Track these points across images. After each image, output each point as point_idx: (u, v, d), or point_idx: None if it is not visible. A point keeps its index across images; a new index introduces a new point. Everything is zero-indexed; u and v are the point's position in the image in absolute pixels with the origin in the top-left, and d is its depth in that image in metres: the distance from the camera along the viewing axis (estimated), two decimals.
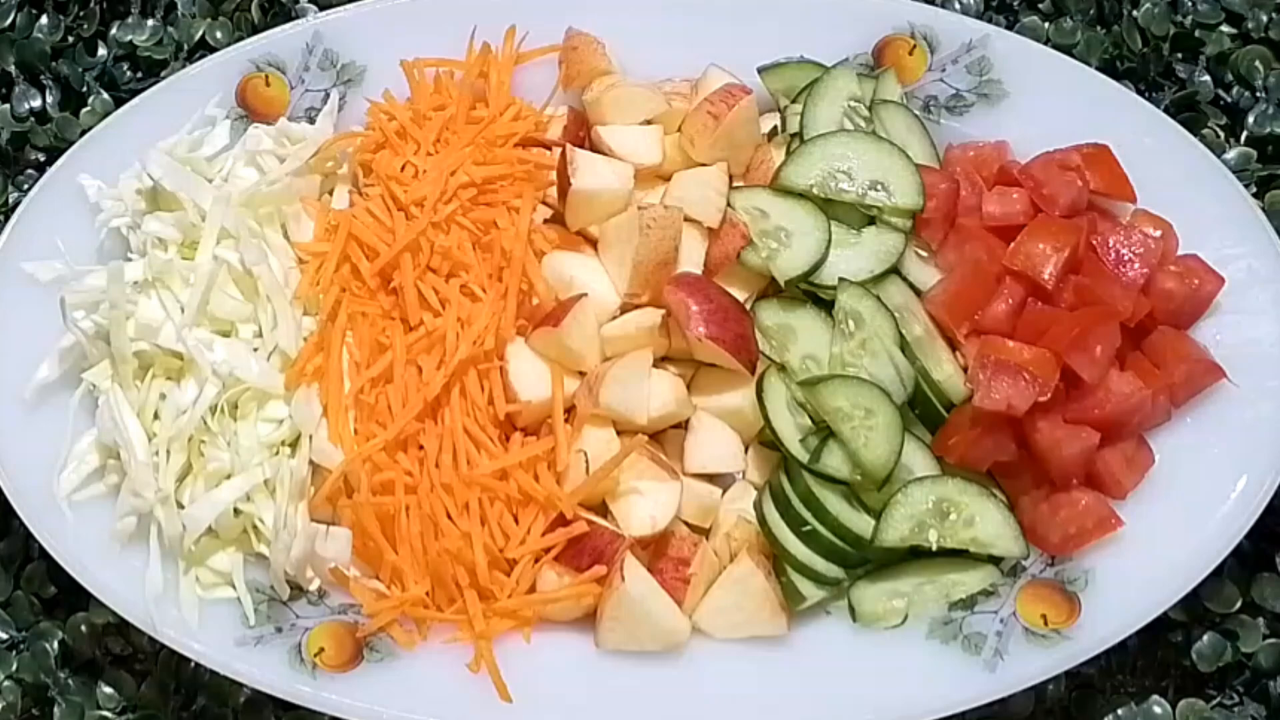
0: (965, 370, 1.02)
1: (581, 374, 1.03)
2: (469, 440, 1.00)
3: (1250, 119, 1.20)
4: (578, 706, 0.97)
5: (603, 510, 1.00)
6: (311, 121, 1.11)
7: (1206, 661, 1.03)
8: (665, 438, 1.03)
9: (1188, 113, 1.19)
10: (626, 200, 1.06)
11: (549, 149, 1.10)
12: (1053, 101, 1.11)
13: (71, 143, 1.12)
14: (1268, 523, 1.01)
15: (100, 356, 1.02)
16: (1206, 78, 1.22)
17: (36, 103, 1.22)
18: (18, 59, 1.23)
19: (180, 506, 0.98)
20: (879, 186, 1.05)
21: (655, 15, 1.14)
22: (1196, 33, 1.23)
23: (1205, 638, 1.04)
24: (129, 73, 1.25)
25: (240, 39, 1.18)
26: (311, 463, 1.01)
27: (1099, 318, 1.01)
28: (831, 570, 0.99)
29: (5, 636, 1.06)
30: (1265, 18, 1.23)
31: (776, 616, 0.98)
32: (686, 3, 1.14)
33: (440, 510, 0.98)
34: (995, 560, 1.00)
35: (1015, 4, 1.26)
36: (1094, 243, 1.05)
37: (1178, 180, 1.09)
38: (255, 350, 1.03)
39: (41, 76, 1.23)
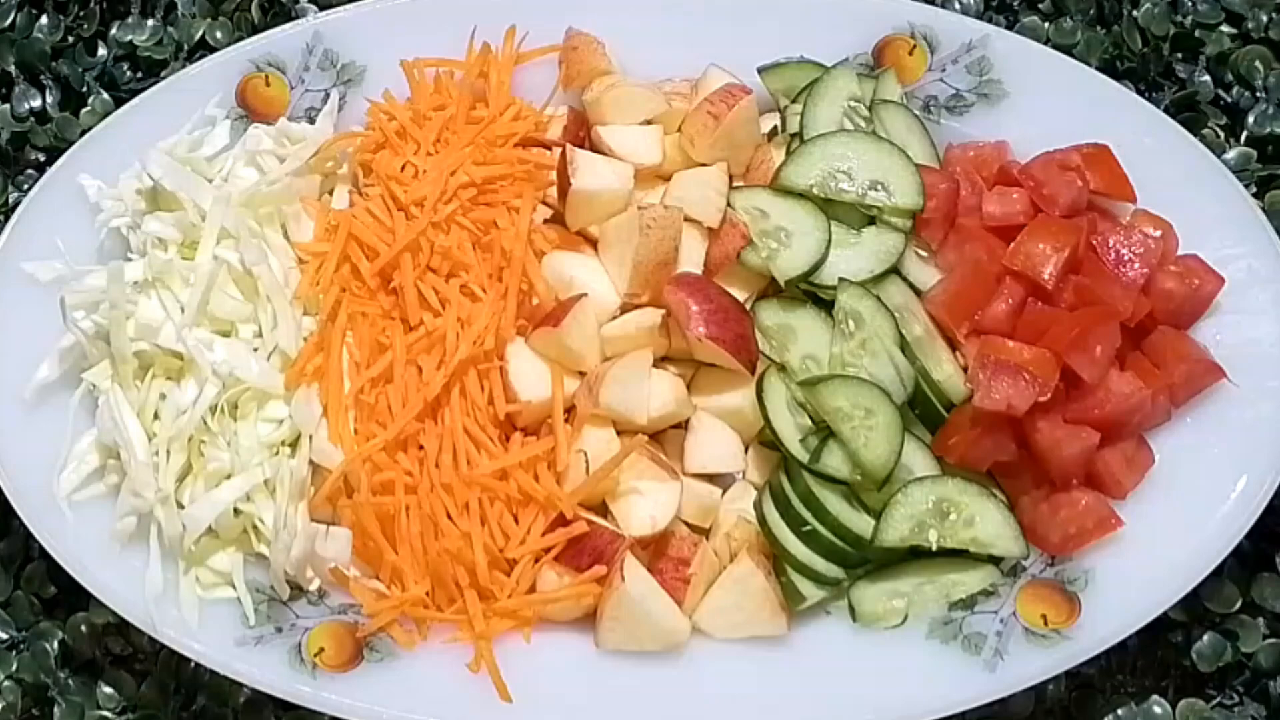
0: (965, 370, 1.02)
1: (581, 374, 1.03)
2: (469, 440, 1.00)
3: (1250, 119, 1.20)
4: (578, 706, 0.97)
5: (603, 510, 1.00)
6: (311, 121, 1.11)
7: (1206, 661, 1.03)
8: (665, 438, 1.03)
9: (1188, 113, 1.19)
10: (626, 200, 1.06)
11: (549, 149, 1.10)
12: (1053, 101, 1.11)
13: (71, 143, 1.12)
14: (1268, 523, 1.01)
15: (100, 356, 1.02)
16: (1206, 78, 1.22)
17: (36, 103, 1.22)
18: (18, 59, 1.23)
19: (180, 506, 0.98)
20: (879, 186, 1.05)
21: (655, 15, 1.14)
22: (1196, 33, 1.23)
23: (1205, 638, 1.04)
24: (129, 73, 1.25)
25: (240, 39, 1.18)
26: (311, 463, 1.01)
27: (1099, 318, 1.01)
28: (831, 570, 0.99)
29: (5, 636, 1.06)
30: (1265, 18, 1.23)
31: (776, 616, 0.98)
32: (686, 3, 1.14)
33: (440, 510, 0.98)
34: (995, 560, 1.00)
35: (1015, 4, 1.26)
36: (1094, 243, 1.05)
37: (1178, 180, 1.09)
38: (255, 350, 1.03)
39: (41, 76, 1.23)
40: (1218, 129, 1.20)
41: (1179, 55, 1.23)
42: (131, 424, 0.99)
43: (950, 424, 1.01)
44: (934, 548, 0.99)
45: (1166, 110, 1.17)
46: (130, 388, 1.01)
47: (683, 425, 1.03)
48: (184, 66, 1.20)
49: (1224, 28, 1.24)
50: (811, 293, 1.05)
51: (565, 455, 0.99)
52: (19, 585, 1.07)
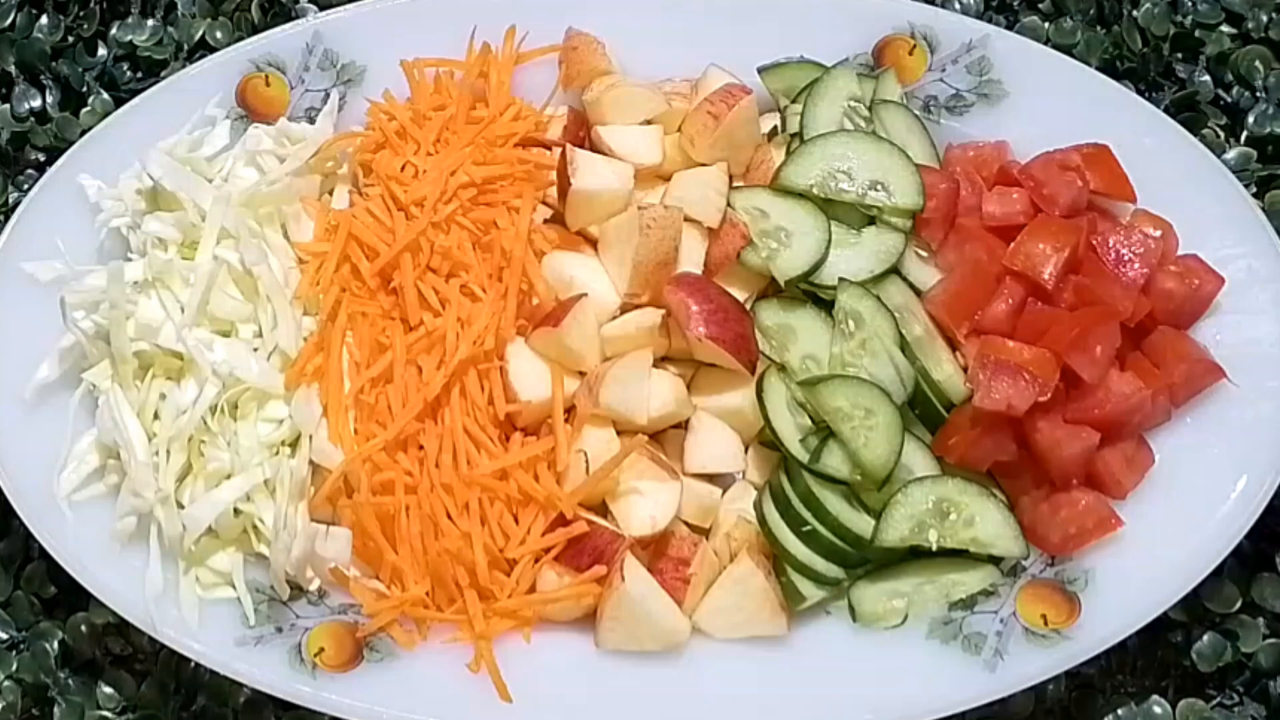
0: (965, 370, 1.02)
1: (581, 374, 1.03)
2: (469, 440, 1.00)
3: (1250, 119, 1.20)
4: (578, 706, 0.97)
5: (603, 510, 1.00)
6: (311, 121, 1.11)
7: (1206, 661, 1.03)
8: (665, 438, 1.03)
9: (1188, 113, 1.19)
10: (626, 200, 1.06)
11: (549, 149, 1.10)
12: (1053, 101, 1.11)
13: (71, 143, 1.12)
14: (1268, 523, 1.01)
15: (100, 356, 1.02)
16: (1206, 78, 1.22)
17: (36, 103, 1.22)
18: (18, 59, 1.23)
19: (180, 506, 0.98)
20: (879, 186, 1.05)
21: (655, 15, 1.14)
22: (1196, 33, 1.23)
23: (1205, 638, 1.04)
24: (129, 73, 1.25)
25: (240, 39, 1.18)
26: (311, 463, 1.01)
27: (1099, 318, 1.01)
28: (831, 570, 0.99)
29: (5, 636, 1.06)
30: (1265, 18, 1.23)
31: (776, 616, 0.98)
32: (686, 3, 1.14)
33: (440, 510, 0.98)
34: (995, 560, 1.00)
35: (1015, 4, 1.26)
36: (1094, 243, 1.05)
37: (1178, 180, 1.09)
38: (255, 350, 1.03)
39: (41, 76, 1.23)
40: (1218, 129, 1.20)
41: (1179, 55, 1.23)
42: (131, 424, 0.99)
43: (950, 424, 1.01)
44: (934, 548, 0.99)
45: (1166, 110, 1.17)
46: (130, 388, 1.01)
47: (683, 425, 1.03)
48: (184, 66, 1.20)
49: (1224, 28, 1.24)
50: (811, 293, 1.05)
51: (565, 455, 0.99)
52: (19, 585, 1.07)
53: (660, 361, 1.03)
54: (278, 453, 1.01)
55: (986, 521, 0.99)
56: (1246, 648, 1.04)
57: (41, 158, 1.21)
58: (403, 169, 1.07)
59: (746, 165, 1.11)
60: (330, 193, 1.11)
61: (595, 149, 1.09)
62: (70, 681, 1.04)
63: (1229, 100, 1.22)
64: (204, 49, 1.24)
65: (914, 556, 1.00)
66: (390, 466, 0.99)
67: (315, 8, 1.23)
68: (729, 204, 1.06)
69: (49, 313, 1.03)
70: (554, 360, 1.02)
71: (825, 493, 0.99)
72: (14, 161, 1.21)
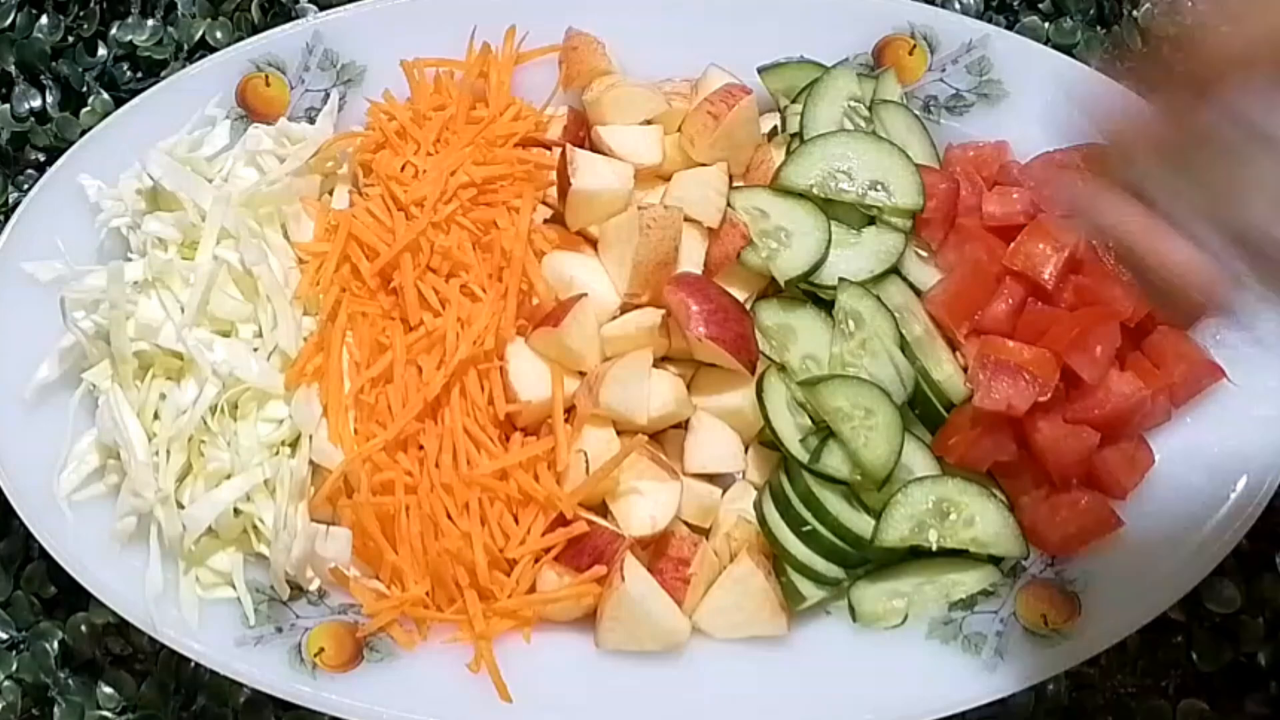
0: (965, 370, 1.02)
1: (581, 374, 1.03)
2: (469, 440, 1.00)
3: None
4: (578, 706, 0.97)
5: (603, 510, 1.00)
6: (311, 121, 1.11)
7: (1206, 661, 1.03)
8: (665, 438, 1.03)
9: None
10: (626, 200, 1.06)
11: (549, 149, 1.10)
12: (1053, 101, 1.11)
13: (71, 143, 1.11)
14: (1268, 523, 1.00)
15: (100, 356, 1.02)
16: None
17: (36, 103, 1.22)
18: (18, 59, 1.23)
19: (180, 506, 0.98)
20: (879, 186, 1.05)
21: (655, 15, 1.14)
22: None
23: (1205, 638, 1.04)
24: (129, 73, 1.25)
25: (240, 39, 1.18)
26: (311, 463, 1.01)
27: (1099, 318, 1.01)
28: (831, 570, 0.99)
29: (5, 636, 1.06)
30: None
31: (776, 616, 0.98)
32: (686, 3, 1.14)
33: (440, 510, 0.98)
34: (995, 560, 1.00)
35: (1015, 4, 1.26)
36: (1094, 243, 1.05)
37: None
38: (255, 350, 1.03)
39: (41, 76, 1.23)
40: None
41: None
42: (131, 424, 0.99)
43: (950, 424, 1.02)
44: (934, 548, 0.99)
45: None
46: (130, 388, 1.01)
47: (683, 425, 1.03)
48: (184, 66, 1.20)
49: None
50: (811, 293, 1.05)
51: (565, 455, 0.99)
52: (19, 585, 1.07)
53: (660, 361, 1.03)
54: (278, 453, 1.01)
55: (986, 521, 0.99)
56: (1246, 648, 1.04)
57: (41, 158, 1.21)
58: (403, 169, 1.07)
59: (746, 165, 1.11)
60: (330, 193, 1.11)
61: (595, 149, 1.09)
62: (70, 681, 1.04)
63: None
64: (204, 49, 1.23)
65: (914, 556, 1.00)
66: (390, 466, 0.99)
67: (315, 8, 1.23)
68: (729, 204, 1.06)
69: (49, 313, 1.03)
70: (554, 360, 1.02)
71: (825, 493, 0.99)
72: (14, 161, 1.21)
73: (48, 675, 1.04)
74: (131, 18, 1.26)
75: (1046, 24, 1.24)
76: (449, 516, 0.99)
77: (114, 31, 1.24)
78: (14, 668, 1.05)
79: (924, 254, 1.07)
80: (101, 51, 1.25)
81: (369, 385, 1.01)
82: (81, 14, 1.25)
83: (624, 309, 1.04)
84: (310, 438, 1.01)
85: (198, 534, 0.98)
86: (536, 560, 0.99)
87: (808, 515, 0.99)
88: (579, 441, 1.00)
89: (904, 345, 1.02)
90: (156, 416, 1.01)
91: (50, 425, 1.01)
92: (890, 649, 0.98)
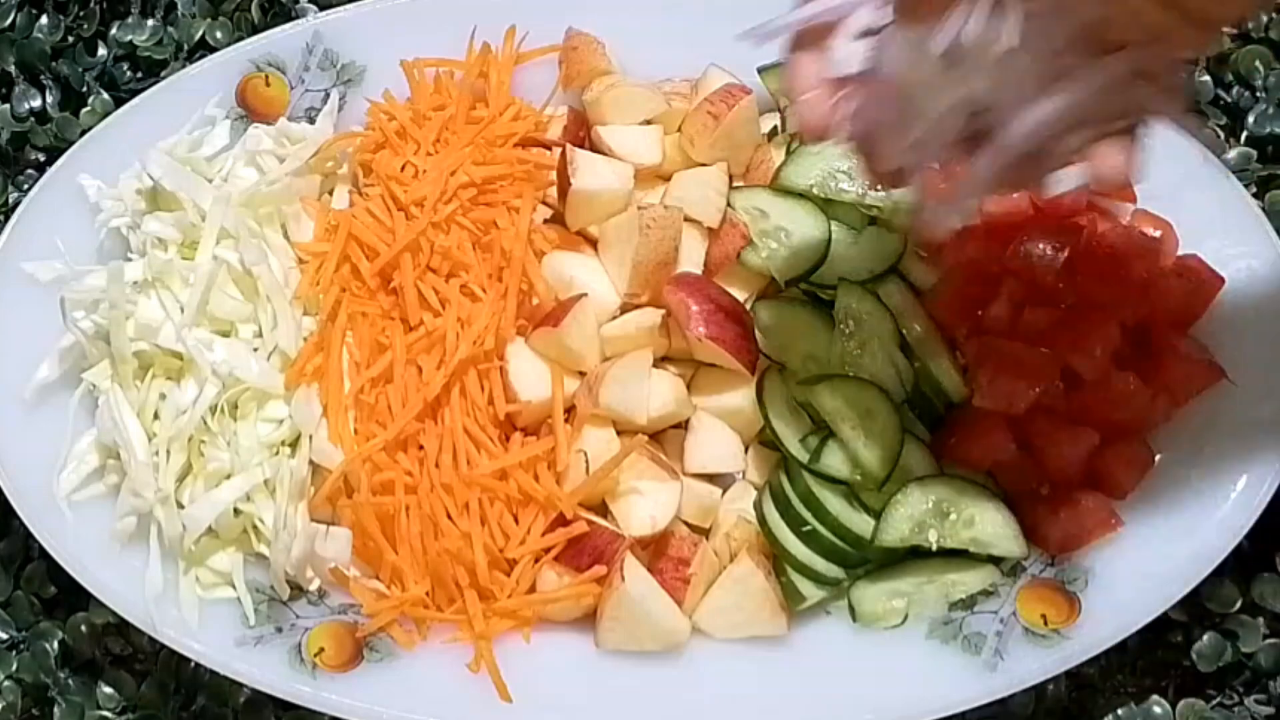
0: (965, 370, 1.02)
1: (581, 374, 1.03)
2: (469, 440, 1.00)
3: (1250, 119, 1.20)
4: (578, 706, 0.97)
5: (603, 510, 1.00)
6: (311, 121, 1.11)
7: (1206, 661, 1.03)
8: (665, 438, 1.03)
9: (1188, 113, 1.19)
10: (626, 200, 1.06)
11: (549, 149, 1.10)
12: None
13: (71, 143, 1.11)
14: (1268, 523, 1.00)
15: (100, 356, 1.02)
16: (1206, 78, 1.22)
17: (36, 103, 1.22)
18: (18, 59, 1.23)
19: (180, 506, 0.98)
20: (879, 186, 1.05)
21: (655, 15, 1.14)
22: None
23: (1205, 638, 1.04)
24: (129, 73, 1.25)
25: (240, 39, 1.18)
26: (311, 463, 1.01)
27: (1099, 318, 1.01)
28: (831, 570, 0.99)
29: (5, 636, 1.06)
30: (1265, 18, 1.23)
31: (776, 616, 0.98)
32: (686, 3, 1.14)
33: (440, 510, 0.98)
34: (995, 560, 1.00)
35: None
36: (1094, 243, 1.05)
37: (1178, 180, 1.09)
38: (255, 350, 1.03)
39: (41, 76, 1.23)
40: (1218, 129, 1.20)
41: None
42: (131, 424, 0.99)
43: (950, 424, 1.02)
44: (934, 548, 0.99)
45: None
46: (130, 388, 1.01)
47: (683, 425, 1.03)
48: (184, 66, 1.20)
49: (1224, 28, 1.24)
50: (811, 293, 1.05)
51: (565, 455, 0.99)
52: (19, 585, 1.07)
53: (660, 361, 1.03)
54: (278, 453, 1.01)
55: (986, 521, 0.99)
56: (1246, 648, 1.03)
57: (41, 158, 1.21)
58: (403, 169, 1.07)
59: (746, 165, 1.11)
60: (330, 193, 1.11)
61: (595, 149, 1.09)
62: (70, 681, 1.04)
63: (1229, 100, 1.22)
64: (204, 49, 1.23)
65: (914, 556, 1.00)
66: (390, 466, 0.99)
67: (315, 8, 1.23)
68: (729, 204, 1.06)
69: (49, 313, 1.03)
70: (554, 360, 1.02)
71: (825, 493, 0.99)
72: (14, 161, 1.21)
73: (48, 675, 1.04)
74: (131, 18, 1.26)
75: None
76: (449, 516, 0.99)
77: (114, 31, 1.24)
78: (14, 668, 1.05)
79: (924, 254, 1.07)
80: (101, 51, 1.25)
81: (369, 385, 1.01)
82: (81, 14, 1.25)
83: (624, 309, 1.04)
84: (310, 438, 1.01)
85: (198, 534, 0.98)
86: (536, 560, 0.99)
87: (808, 515, 0.99)
88: (579, 441, 1.00)
89: (904, 345, 1.02)
90: (156, 416, 1.01)
91: (50, 425, 1.01)
92: (890, 649, 0.98)
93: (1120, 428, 1.01)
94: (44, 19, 1.25)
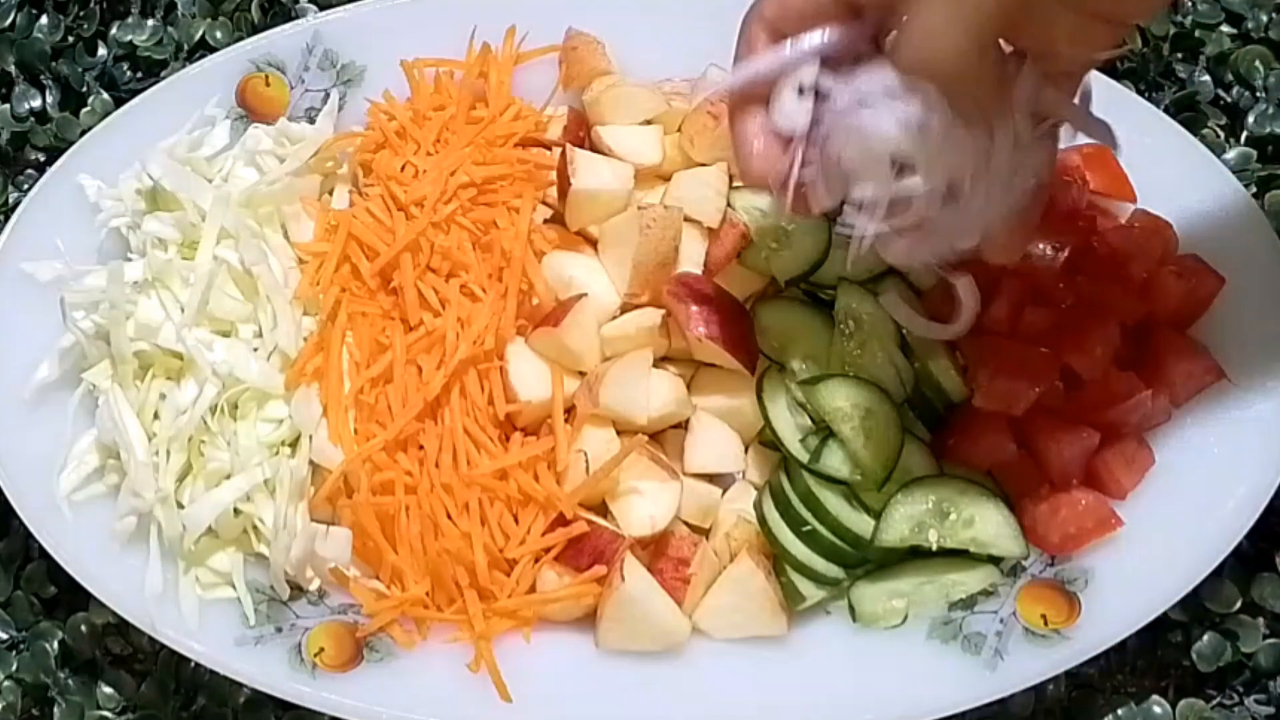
0: (965, 370, 1.02)
1: (581, 374, 1.03)
2: (469, 440, 1.00)
3: (1250, 119, 1.20)
4: (578, 706, 0.97)
5: (603, 510, 1.00)
6: (311, 121, 1.11)
7: (1206, 661, 1.03)
8: (665, 438, 1.03)
9: (1188, 113, 1.19)
10: (626, 200, 1.06)
11: (549, 149, 1.10)
12: None
13: (71, 143, 1.12)
14: (1268, 523, 1.00)
15: (100, 356, 1.02)
16: (1206, 78, 1.22)
17: (36, 103, 1.22)
18: (18, 59, 1.23)
19: (180, 506, 0.98)
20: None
21: (655, 15, 1.14)
22: (1196, 33, 1.23)
23: (1205, 638, 1.04)
24: (129, 73, 1.25)
25: (240, 39, 1.18)
26: (311, 463, 1.01)
27: (1099, 318, 1.01)
28: (831, 570, 0.99)
29: (5, 636, 1.06)
30: (1265, 18, 1.23)
31: (776, 616, 0.98)
32: (686, 3, 1.14)
33: (440, 510, 0.98)
34: (995, 560, 1.00)
35: None
36: (1094, 243, 1.05)
37: (1178, 180, 1.09)
38: (255, 350, 1.03)
39: (41, 76, 1.23)
40: (1218, 129, 1.20)
41: (1179, 55, 1.23)
42: (131, 424, 0.99)
43: (950, 424, 1.02)
44: (934, 548, 0.99)
45: (1166, 110, 1.17)
46: (130, 388, 1.01)
47: (683, 425, 1.03)
48: (184, 66, 1.20)
49: (1224, 28, 1.24)
50: (811, 293, 1.05)
51: (565, 455, 0.99)
52: (19, 585, 1.07)
53: (660, 361, 1.03)
54: (278, 453, 1.01)
55: (986, 521, 0.99)
56: (1246, 648, 1.03)
57: (41, 158, 1.21)
58: (403, 169, 1.07)
59: None
60: (330, 193, 1.11)
61: (595, 149, 1.09)
62: (70, 681, 1.04)
63: (1229, 100, 1.22)
64: (204, 49, 1.24)
65: (914, 556, 1.00)
66: (390, 466, 0.99)
67: (315, 8, 1.23)
68: (729, 204, 1.06)
69: (49, 313, 1.03)
70: (554, 360, 1.02)
71: (825, 493, 0.99)
72: (14, 161, 1.21)
73: (48, 675, 1.04)
74: (131, 18, 1.26)
75: None
76: (449, 516, 0.99)
77: (114, 31, 1.24)
78: (14, 668, 1.05)
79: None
80: (101, 51, 1.25)
81: (369, 385, 1.01)
82: (81, 14, 1.25)
83: (624, 309, 1.04)
84: (310, 438, 1.01)
85: (198, 534, 0.98)
86: (536, 560, 0.99)
87: (808, 515, 0.99)
88: (579, 441, 1.00)
89: (904, 345, 1.02)
90: (156, 416, 1.01)
91: (50, 425, 1.02)
92: (890, 649, 0.98)
93: (1120, 428, 1.01)
94: (44, 19, 1.25)
